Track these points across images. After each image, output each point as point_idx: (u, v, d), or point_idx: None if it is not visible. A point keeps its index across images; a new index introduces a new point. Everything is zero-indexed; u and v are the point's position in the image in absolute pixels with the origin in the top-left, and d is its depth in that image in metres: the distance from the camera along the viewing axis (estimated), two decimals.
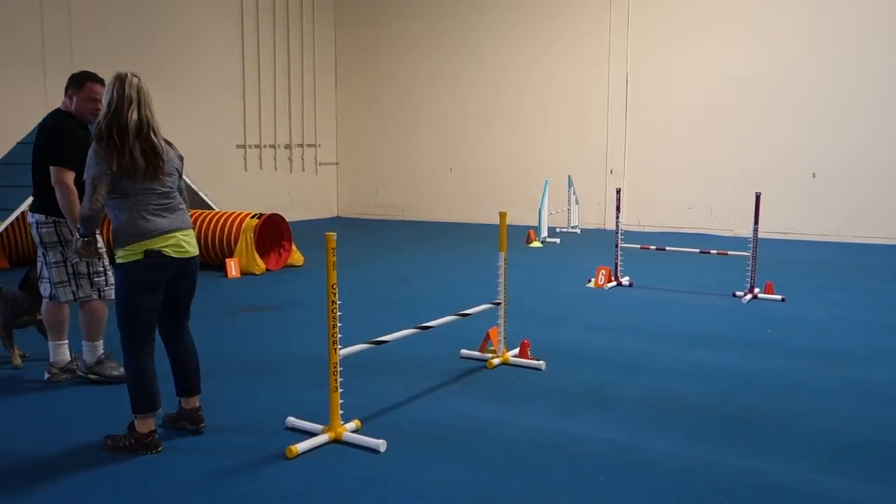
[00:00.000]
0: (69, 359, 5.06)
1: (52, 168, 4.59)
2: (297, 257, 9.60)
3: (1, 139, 9.45)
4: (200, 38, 13.42)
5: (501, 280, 5.38)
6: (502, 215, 5.35)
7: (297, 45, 15.15)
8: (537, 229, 12.00)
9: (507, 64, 14.44)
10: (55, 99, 10.88)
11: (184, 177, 4.09)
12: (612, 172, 13.78)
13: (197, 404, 4.12)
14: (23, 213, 8.79)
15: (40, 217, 4.80)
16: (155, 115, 3.88)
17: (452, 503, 3.36)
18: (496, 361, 5.35)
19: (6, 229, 9.36)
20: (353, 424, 4.12)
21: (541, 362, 5.30)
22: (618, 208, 8.51)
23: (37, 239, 4.84)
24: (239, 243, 9.03)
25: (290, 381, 5.01)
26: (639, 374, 5.19)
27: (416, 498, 3.41)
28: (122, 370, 4.85)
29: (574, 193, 13.10)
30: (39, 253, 4.90)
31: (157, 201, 3.83)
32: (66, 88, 4.83)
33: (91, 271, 4.90)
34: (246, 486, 3.53)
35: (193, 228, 4.05)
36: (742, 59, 12.48)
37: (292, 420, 4.21)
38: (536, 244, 11.71)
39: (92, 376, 4.97)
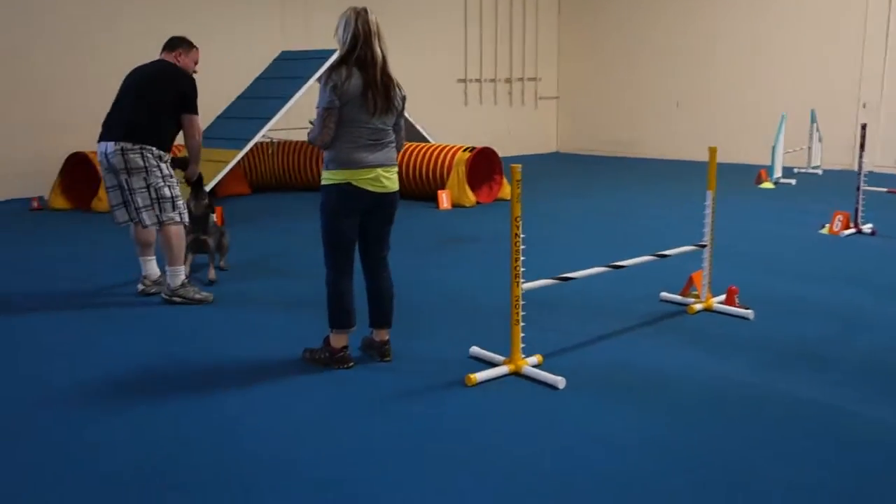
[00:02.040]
0: (159, 272, 5.52)
1: (193, 117, 5.28)
2: (507, 191, 9.59)
3: (242, 74, 10.16)
4: None
5: (708, 221, 5.00)
6: (712, 151, 4.95)
7: None
8: (770, 169, 11.09)
9: None
10: (291, 36, 11.60)
11: (404, 114, 4.14)
12: (864, 106, 12.35)
13: (386, 337, 4.23)
14: (258, 144, 9.51)
15: (126, 144, 5.12)
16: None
17: (628, 449, 3.21)
18: (698, 307, 5.02)
19: (245, 157, 10.18)
20: (534, 359, 4.06)
21: (749, 311, 4.90)
22: (862, 146, 7.59)
23: (120, 165, 5.15)
24: (451, 176, 9.18)
25: (483, 313, 5.02)
26: (866, 332, 4.64)
27: (589, 440, 3.29)
28: (203, 293, 5.33)
29: (817, 130, 11.88)
30: (120, 179, 5.19)
31: (369, 136, 3.92)
32: (175, 47, 5.41)
33: (173, 195, 5.26)
34: (424, 407, 3.62)
35: (396, 165, 4.11)
36: None
37: (476, 349, 4.23)
38: (768, 185, 10.83)
39: (176, 299, 5.29)
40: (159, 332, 4.75)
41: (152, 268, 5.55)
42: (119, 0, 10.26)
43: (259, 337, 4.63)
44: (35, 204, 9.11)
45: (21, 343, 4.60)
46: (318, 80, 3.92)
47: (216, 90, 9.83)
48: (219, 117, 9.58)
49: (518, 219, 3.84)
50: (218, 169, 8.47)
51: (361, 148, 3.91)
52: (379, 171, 3.96)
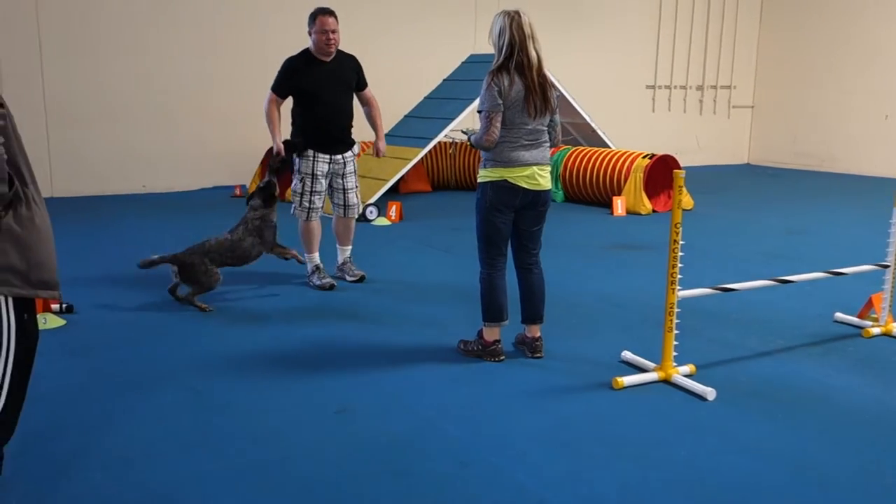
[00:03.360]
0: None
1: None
2: (687, 201, 9.36)
3: (434, 75, 10.56)
4: None
5: (893, 240, 4.70)
6: None
7: None
8: None
9: None
10: (483, 42, 11.88)
11: (557, 112, 4.24)
12: None
13: (537, 334, 4.34)
14: (439, 143, 9.88)
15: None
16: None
17: (772, 465, 3.14)
18: (875, 331, 4.73)
19: (428, 156, 10.61)
20: (686, 368, 4.02)
21: None
22: None
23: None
24: (628, 182, 9.09)
25: (641, 320, 5.00)
26: None
27: (732, 452, 3.25)
28: (326, 279, 5.70)
29: None
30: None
31: (526, 137, 4.07)
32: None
33: (296, 191, 5.72)
34: (568, 406, 3.70)
35: (550, 164, 4.22)
36: None
37: (627, 354, 4.24)
38: None
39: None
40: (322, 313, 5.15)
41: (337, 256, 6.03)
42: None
43: (416, 325, 4.89)
44: (237, 191, 9.99)
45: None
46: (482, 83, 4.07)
47: (408, 90, 10.37)
48: (406, 116, 10.05)
49: (678, 225, 3.83)
50: (401, 166, 8.90)
51: (519, 147, 4.06)
52: (535, 168, 4.10)
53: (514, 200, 4.11)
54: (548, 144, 4.20)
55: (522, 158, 4.07)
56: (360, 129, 6.16)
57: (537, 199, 4.15)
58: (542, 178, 4.13)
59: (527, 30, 4.00)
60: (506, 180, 4.06)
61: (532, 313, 4.31)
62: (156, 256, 5.18)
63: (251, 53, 10.56)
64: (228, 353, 4.33)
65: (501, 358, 4.25)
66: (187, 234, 7.48)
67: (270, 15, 10.62)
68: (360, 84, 5.84)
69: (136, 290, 5.55)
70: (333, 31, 5.49)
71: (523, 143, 4.07)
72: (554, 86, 4.18)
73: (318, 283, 5.71)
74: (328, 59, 5.61)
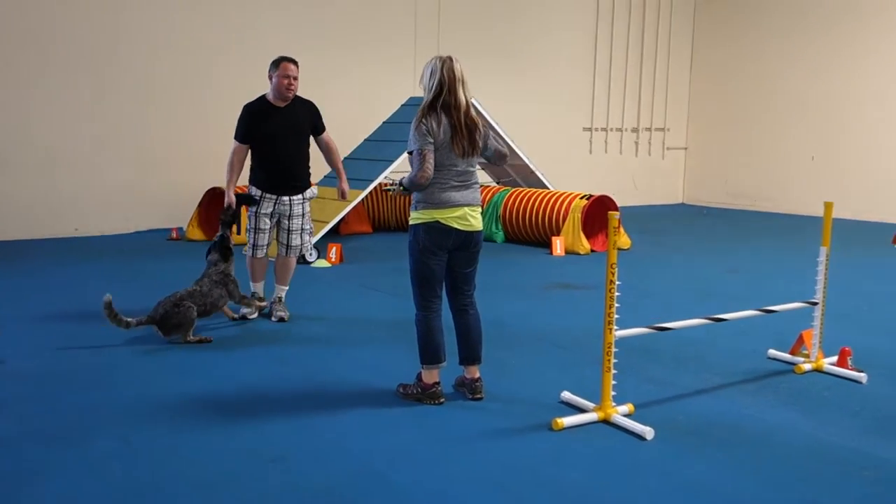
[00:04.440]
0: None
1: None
2: (624, 240, 9.52)
3: (372, 117, 10.61)
4: (554, 21, 13.74)
5: (821, 278, 4.85)
6: (827, 206, 4.83)
7: (653, 27, 14.86)
8: None
9: (877, 40, 12.72)
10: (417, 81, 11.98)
11: (496, 143, 4.33)
12: None
13: (476, 375, 4.32)
14: (380, 185, 9.89)
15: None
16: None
17: (710, 503, 3.16)
18: (807, 367, 4.84)
19: (368, 198, 10.60)
20: (625, 408, 4.04)
21: (862, 374, 4.69)
22: None
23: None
24: (566, 222, 9.22)
25: (580, 359, 5.03)
26: None
27: (672, 491, 3.26)
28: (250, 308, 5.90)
29: None
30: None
31: (456, 178, 4.13)
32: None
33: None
34: (507, 449, 3.67)
35: (480, 205, 4.28)
36: None
37: (566, 395, 4.25)
38: None
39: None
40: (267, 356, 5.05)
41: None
42: (256, 39, 10.74)
43: (355, 369, 4.83)
44: (174, 234, 9.81)
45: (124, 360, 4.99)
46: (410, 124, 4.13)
47: (346, 132, 10.35)
48: (346, 158, 10.03)
49: (614, 265, 3.88)
50: (342, 207, 8.87)
51: (450, 189, 4.11)
52: (466, 209, 4.14)
53: (446, 241, 4.13)
54: (478, 186, 4.26)
55: (453, 199, 4.11)
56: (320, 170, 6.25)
57: (469, 240, 4.18)
58: (473, 220, 4.17)
59: (457, 73, 4.08)
60: (438, 221, 4.09)
61: (469, 354, 4.29)
62: (132, 320, 5.11)
63: (188, 97, 10.48)
64: (160, 400, 4.20)
65: (441, 401, 4.21)
66: (120, 279, 7.32)
67: (210, 57, 10.56)
68: (317, 129, 6.00)
69: (62, 337, 5.36)
70: (295, 78, 5.72)
71: (453, 184, 4.11)
72: (489, 125, 4.23)
73: (243, 311, 5.92)
74: (284, 105, 5.78)
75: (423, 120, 4.06)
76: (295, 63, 5.73)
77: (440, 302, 4.25)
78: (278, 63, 5.69)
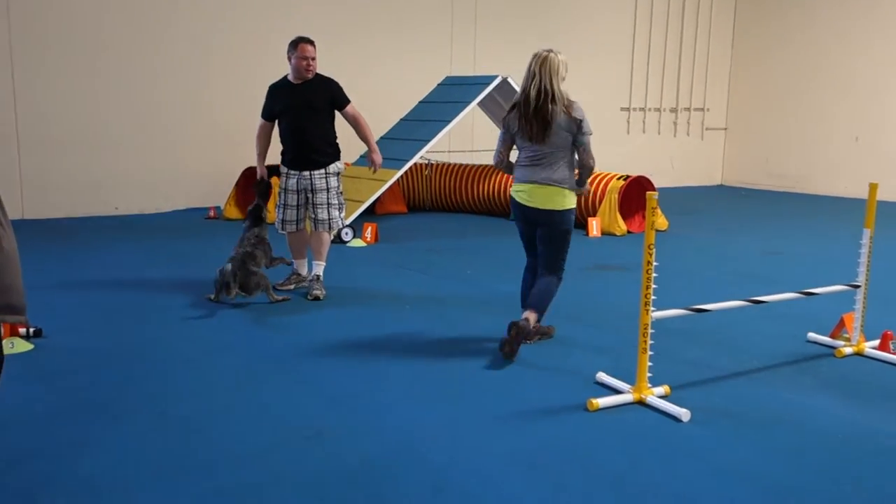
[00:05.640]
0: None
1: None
2: (661, 221, 9.42)
3: (409, 97, 10.59)
4: (593, 0, 13.59)
5: (863, 260, 4.75)
6: (872, 187, 4.74)
7: (694, 2, 14.59)
8: None
9: None
10: (459, 62, 11.97)
11: (583, 135, 4.62)
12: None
13: (525, 316, 4.66)
14: (415, 165, 9.90)
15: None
16: (559, 84, 4.56)
17: (746, 487, 3.13)
18: (847, 351, 4.76)
19: (404, 177, 10.61)
20: (661, 389, 4.02)
21: None
22: None
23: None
24: (603, 203, 9.14)
25: (616, 340, 5.01)
26: None
27: (707, 474, 3.24)
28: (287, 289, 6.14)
29: None
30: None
31: (528, 157, 4.68)
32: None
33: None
34: (542, 429, 3.67)
35: (555, 185, 4.60)
36: None
37: (602, 375, 4.23)
38: None
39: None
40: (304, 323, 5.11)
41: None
42: (291, 25, 10.85)
43: (390, 346, 4.86)
44: (211, 213, 9.93)
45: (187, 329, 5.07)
46: None
47: (383, 112, 10.36)
48: (382, 138, 10.04)
49: (651, 246, 3.84)
50: (377, 187, 8.89)
51: (521, 166, 4.73)
52: (530, 186, 4.66)
53: (518, 212, 4.79)
54: (553, 167, 4.59)
55: (522, 176, 4.71)
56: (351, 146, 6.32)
57: (538, 217, 4.68)
58: (532, 197, 4.62)
59: (537, 68, 4.54)
60: (513, 195, 4.78)
61: (527, 301, 4.80)
62: (232, 292, 5.59)
63: (227, 78, 10.55)
64: (198, 377, 4.27)
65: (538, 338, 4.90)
66: (160, 257, 7.44)
67: (252, 41, 10.62)
68: (338, 103, 6.04)
69: (104, 313, 5.47)
70: (313, 58, 5.87)
71: (524, 162, 4.69)
72: (573, 111, 4.54)
73: (281, 291, 6.07)
74: (301, 83, 5.93)
75: (509, 112, 4.68)
76: (312, 43, 5.86)
77: (531, 262, 4.94)
78: (296, 44, 5.83)
